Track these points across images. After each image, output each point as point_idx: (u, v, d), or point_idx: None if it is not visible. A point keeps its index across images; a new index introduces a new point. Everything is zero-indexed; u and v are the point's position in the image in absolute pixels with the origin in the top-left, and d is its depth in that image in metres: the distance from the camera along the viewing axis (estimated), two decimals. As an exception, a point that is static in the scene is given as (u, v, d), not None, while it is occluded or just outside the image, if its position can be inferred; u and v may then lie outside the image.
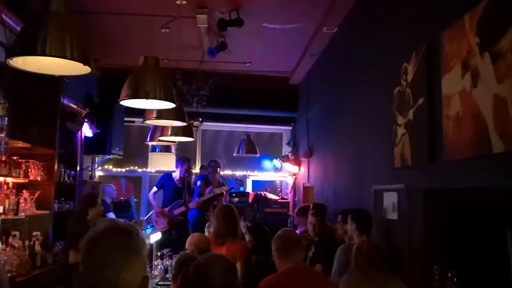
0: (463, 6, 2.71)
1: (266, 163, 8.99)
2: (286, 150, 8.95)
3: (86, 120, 6.58)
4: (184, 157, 7.26)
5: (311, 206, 5.03)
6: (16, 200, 4.53)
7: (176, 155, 8.43)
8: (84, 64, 2.61)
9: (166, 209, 6.88)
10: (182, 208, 6.82)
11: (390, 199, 3.88)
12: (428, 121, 3.14)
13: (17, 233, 4.59)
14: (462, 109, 2.69)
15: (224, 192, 7.23)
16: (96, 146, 7.14)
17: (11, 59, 2.60)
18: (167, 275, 4.44)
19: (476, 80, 2.54)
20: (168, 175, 7.20)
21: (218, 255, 2.34)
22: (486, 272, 2.69)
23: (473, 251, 2.79)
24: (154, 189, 7.13)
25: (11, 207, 4.41)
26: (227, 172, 8.74)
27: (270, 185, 9.09)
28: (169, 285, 3.74)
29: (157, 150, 8.38)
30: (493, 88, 2.38)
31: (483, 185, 2.58)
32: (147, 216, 7.54)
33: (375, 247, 2.82)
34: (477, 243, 2.77)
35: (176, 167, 7.23)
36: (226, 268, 2.16)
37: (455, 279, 2.70)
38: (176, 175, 7.08)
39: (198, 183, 7.13)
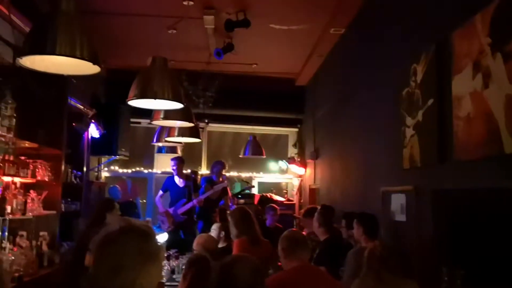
0: (474, 6, 2.70)
1: (272, 165, 8.98)
2: (292, 151, 8.94)
3: (92, 121, 6.59)
4: (175, 157, 7.27)
5: (320, 207, 5.01)
6: (23, 200, 4.53)
7: (182, 156, 8.44)
8: (94, 64, 2.61)
9: (171, 210, 6.90)
10: (186, 207, 6.82)
11: (398, 200, 3.87)
12: (438, 122, 3.13)
13: (24, 233, 4.59)
14: (473, 110, 2.67)
15: (229, 191, 7.20)
16: (102, 147, 7.15)
17: (21, 58, 2.61)
18: (174, 276, 4.45)
19: (488, 80, 2.52)
20: (171, 177, 7.22)
21: (245, 255, 2.29)
22: (495, 273, 2.66)
23: (482, 253, 2.76)
24: (160, 192, 7.20)
25: (18, 207, 4.41)
26: (233, 173, 8.73)
27: (276, 187, 9.07)
28: (176, 285, 3.73)
29: (163, 151, 8.38)
30: (505, 89, 2.37)
31: (494, 185, 2.56)
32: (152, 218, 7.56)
33: (388, 250, 2.79)
34: (487, 245, 2.74)
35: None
36: (254, 269, 2.10)
37: (463, 281, 2.68)
38: (176, 177, 7.10)
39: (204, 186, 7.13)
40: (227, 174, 7.77)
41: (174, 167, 7.03)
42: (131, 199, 8.41)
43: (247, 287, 2.03)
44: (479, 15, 2.62)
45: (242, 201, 7.81)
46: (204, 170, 8.66)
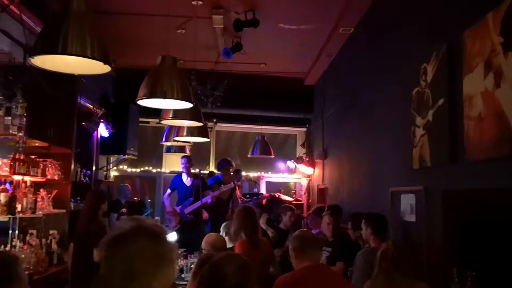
0: (486, 5, 2.68)
1: (280, 165, 8.97)
2: (300, 151, 8.92)
3: (102, 120, 6.62)
4: (185, 155, 7.31)
5: (326, 208, 5.00)
6: (33, 198, 4.55)
7: (190, 155, 8.46)
8: (104, 63, 2.61)
9: (178, 208, 6.92)
10: (193, 206, 6.83)
11: (407, 200, 3.84)
12: (448, 122, 3.11)
13: (34, 232, 4.62)
14: (484, 110, 2.65)
15: (238, 189, 7.21)
16: (111, 146, 7.19)
17: (32, 58, 2.62)
18: (182, 275, 4.45)
19: (499, 80, 2.50)
20: (178, 176, 7.24)
21: (232, 254, 2.32)
22: (505, 274, 2.64)
23: (493, 253, 2.74)
24: (168, 191, 7.22)
25: (28, 206, 4.43)
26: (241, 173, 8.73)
27: (284, 187, 9.06)
28: (185, 285, 3.73)
29: (172, 151, 8.41)
30: (517, 88, 2.35)
31: (505, 186, 2.53)
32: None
33: (400, 251, 2.79)
34: (497, 245, 2.72)
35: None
36: (239, 267, 2.13)
37: (474, 281, 2.66)
38: (184, 175, 7.12)
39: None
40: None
41: (185, 165, 7.04)
42: (139, 199, 8.45)
43: (235, 285, 2.05)
44: (491, 14, 2.60)
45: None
46: (212, 169, 8.66)
